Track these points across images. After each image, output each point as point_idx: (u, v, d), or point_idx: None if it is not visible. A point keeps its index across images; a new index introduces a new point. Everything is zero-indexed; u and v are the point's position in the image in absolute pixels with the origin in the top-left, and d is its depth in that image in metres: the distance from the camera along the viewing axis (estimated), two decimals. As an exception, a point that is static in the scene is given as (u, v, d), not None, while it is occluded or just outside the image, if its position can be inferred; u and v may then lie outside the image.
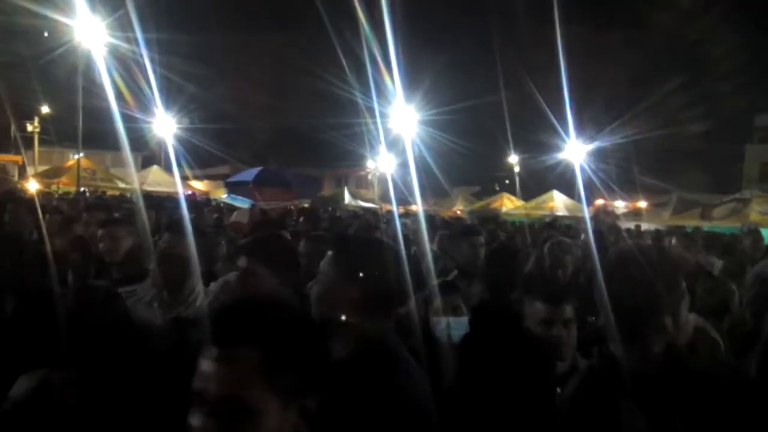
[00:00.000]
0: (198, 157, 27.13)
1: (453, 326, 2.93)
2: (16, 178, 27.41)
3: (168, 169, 23.23)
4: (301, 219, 9.12)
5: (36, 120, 33.17)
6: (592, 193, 20.85)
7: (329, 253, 1.97)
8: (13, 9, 18.30)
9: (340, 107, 25.64)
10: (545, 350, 2.62)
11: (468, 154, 28.35)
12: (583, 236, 7.80)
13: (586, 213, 13.72)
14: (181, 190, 18.76)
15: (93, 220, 4.90)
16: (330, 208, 17.14)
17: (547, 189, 23.12)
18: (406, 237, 5.69)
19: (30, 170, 31.02)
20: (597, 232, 7.41)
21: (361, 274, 1.84)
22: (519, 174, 32.01)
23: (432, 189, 25.76)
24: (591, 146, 24.76)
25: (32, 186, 19.56)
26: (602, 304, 1.73)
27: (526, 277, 3.70)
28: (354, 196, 27.03)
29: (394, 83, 17.62)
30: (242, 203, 13.10)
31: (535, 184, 27.16)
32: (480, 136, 30.60)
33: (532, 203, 22.55)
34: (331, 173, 42.07)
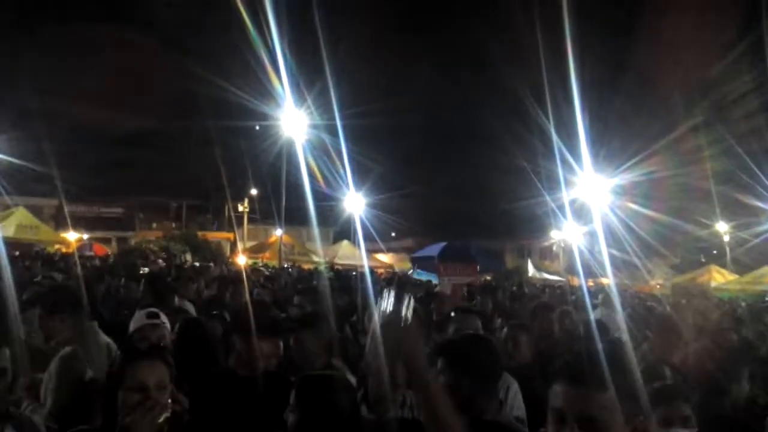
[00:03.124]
0: (384, 232, 28.36)
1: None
2: (228, 253, 31.04)
3: (357, 243, 24.54)
4: (478, 297, 8.86)
5: (246, 201, 37.46)
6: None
7: None
8: (233, 109, 21.30)
9: (523, 178, 25.24)
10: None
11: (666, 221, 25.92)
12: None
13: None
14: (366, 264, 19.69)
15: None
16: (515, 281, 16.66)
17: (763, 261, 20.26)
18: (600, 323, 5.15)
19: (240, 245, 34.93)
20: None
21: None
22: (728, 243, 28.35)
23: (624, 260, 23.81)
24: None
25: (241, 260, 21.87)
26: None
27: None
28: (538, 267, 26.11)
29: (581, 151, 17.01)
30: (428, 277, 13.30)
31: (749, 255, 23.90)
32: (680, 201, 27.96)
33: (749, 277, 19.73)
34: (512, 243, 41.23)
